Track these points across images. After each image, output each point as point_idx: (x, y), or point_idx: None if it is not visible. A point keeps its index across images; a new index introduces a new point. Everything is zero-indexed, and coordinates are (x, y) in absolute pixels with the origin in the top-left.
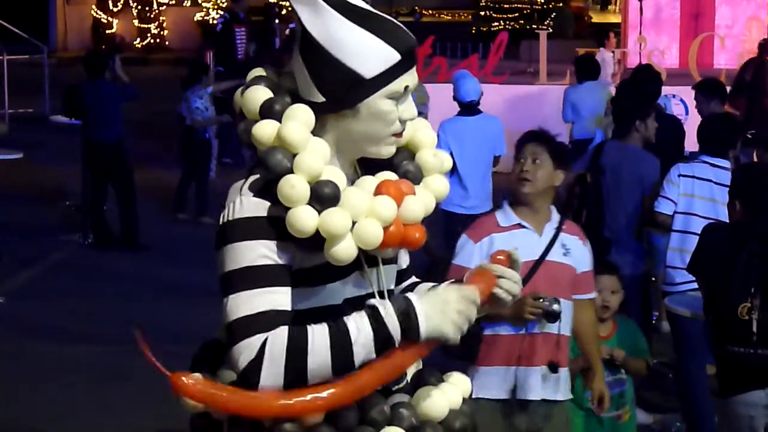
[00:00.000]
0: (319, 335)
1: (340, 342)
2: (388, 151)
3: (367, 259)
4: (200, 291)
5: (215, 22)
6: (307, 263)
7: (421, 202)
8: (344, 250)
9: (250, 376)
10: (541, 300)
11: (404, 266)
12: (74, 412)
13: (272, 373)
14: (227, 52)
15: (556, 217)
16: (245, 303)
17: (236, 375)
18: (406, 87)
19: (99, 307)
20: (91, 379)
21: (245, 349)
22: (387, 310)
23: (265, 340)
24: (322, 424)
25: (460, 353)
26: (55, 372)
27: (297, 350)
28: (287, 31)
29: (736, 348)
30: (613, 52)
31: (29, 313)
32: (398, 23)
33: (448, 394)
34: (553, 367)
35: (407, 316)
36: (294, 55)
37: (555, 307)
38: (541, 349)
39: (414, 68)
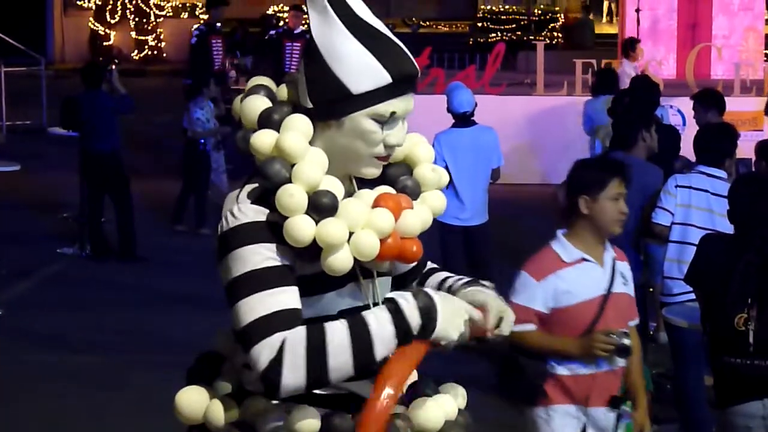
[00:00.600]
0: (338, 331)
1: (360, 337)
2: (370, 171)
3: (362, 270)
4: (198, 302)
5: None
6: (302, 272)
7: (418, 216)
8: (340, 261)
9: (271, 376)
10: (612, 335)
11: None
12: (71, 420)
13: (294, 371)
14: (204, 63)
15: (608, 244)
16: (258, 305)
17: (256, 376)
18: (393, 113)
19: (97, 317)
20: (88, 388)
21: (265, 349)
22: (409, 305)
23: (284, 339)
24: None
25: (526, 396)
26: (53, 381)
27: (317, 347)
28: (266, 36)
29: (733, 359)
30: (635, 64)
31: (27, 323)
32: (404, 49)
33: (444, 405)
34: (616, 402)
35: (429, 316)
36: (301, 60)
37: (625, 341)
38: (614, 385)
39: (408, 96)
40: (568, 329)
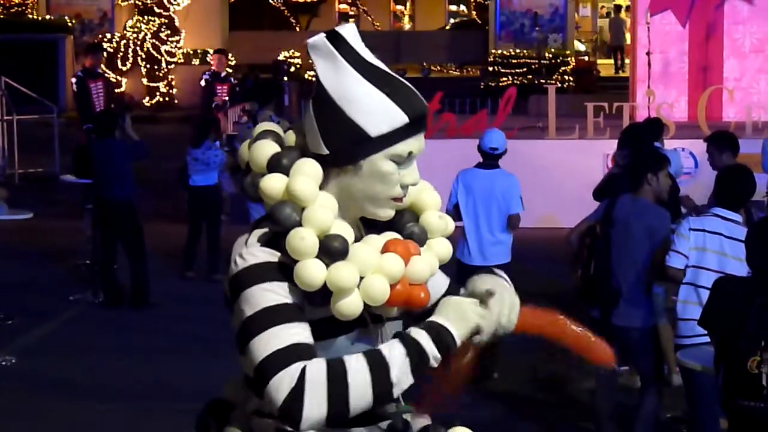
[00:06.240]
0: (356, 362)
1: (378, 365)
2: (386, 213)
3: (371, 315)
4: (211, 349)
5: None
6: (311, 317)
7: (427, 263)
8: (350, 305)
9: (292, 407)
10: None
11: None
12: None
13: (315, 401)
14: (84, 107)
15: None
16: (274, 339)
17: (275, 410)
18: (410, 152)
19: (110, 365)
20: None
21: (284, 380)
22: (413, 330)
23: (303, 368)
24: None
25: None
26: (67, 429)
27: (337, 377)
28: (237, 88)
29: (747, 402)
30: None
31: (40, 371)
32: (413, 89)
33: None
34: None
35: (431, 327)
36: (306, 107)
37: None
38: None
39: (422, 135)
40: None
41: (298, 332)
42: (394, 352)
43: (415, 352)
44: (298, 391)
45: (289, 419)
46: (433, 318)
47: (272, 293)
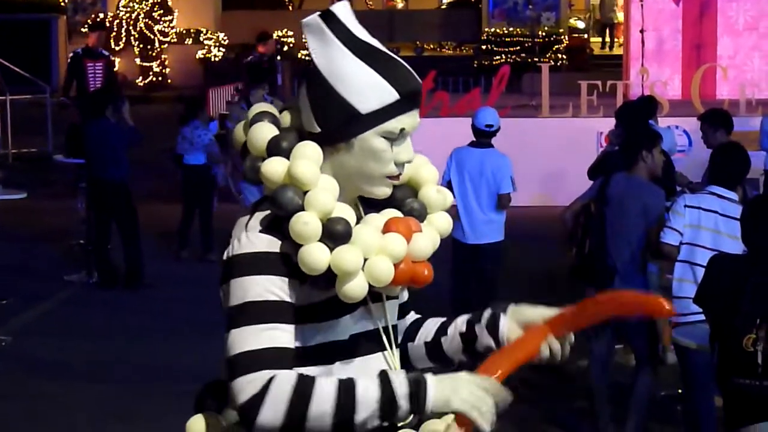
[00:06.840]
0: (326, 386)
1: (346, 395)
2: (382, 191)
3: (371, 294)
4: (206, 329)
5: (216, 59)
6: (315, 298)
7: (429, 239)
8: (356, 287)
9: (249, 412)
10: None
11: (404, 299)
12: None
13: (272, 411)
14: (79, 85)
15: None
16: (249, 338)
17: (235, 409)
18: (403, 129)
19: (104, 346)
20: (96, 419)
21: (248, 384)
22: (398, 375)
23: (271, 377)
24: None
25: None
26: (60, 411)
27: (302, 395)
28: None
29: (742, 380)
30: None
31: (34, 351)
32: (406, 65)
33: (453, 428)
34: None
35: (417, 383)
36: (300, 86)
37: None
38: None
39: (415, 112)
40: None
41: (278, 336)
42: (368, 394)
43: (388, 401)
44: (258, 399)
45: (244, 420)
46: (427, 376)
47: (260, 287)
